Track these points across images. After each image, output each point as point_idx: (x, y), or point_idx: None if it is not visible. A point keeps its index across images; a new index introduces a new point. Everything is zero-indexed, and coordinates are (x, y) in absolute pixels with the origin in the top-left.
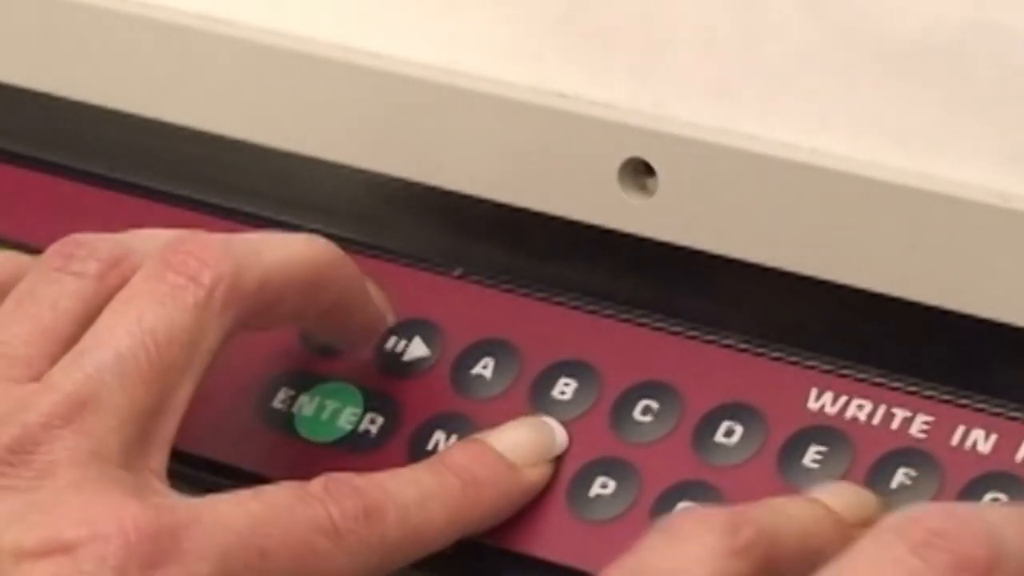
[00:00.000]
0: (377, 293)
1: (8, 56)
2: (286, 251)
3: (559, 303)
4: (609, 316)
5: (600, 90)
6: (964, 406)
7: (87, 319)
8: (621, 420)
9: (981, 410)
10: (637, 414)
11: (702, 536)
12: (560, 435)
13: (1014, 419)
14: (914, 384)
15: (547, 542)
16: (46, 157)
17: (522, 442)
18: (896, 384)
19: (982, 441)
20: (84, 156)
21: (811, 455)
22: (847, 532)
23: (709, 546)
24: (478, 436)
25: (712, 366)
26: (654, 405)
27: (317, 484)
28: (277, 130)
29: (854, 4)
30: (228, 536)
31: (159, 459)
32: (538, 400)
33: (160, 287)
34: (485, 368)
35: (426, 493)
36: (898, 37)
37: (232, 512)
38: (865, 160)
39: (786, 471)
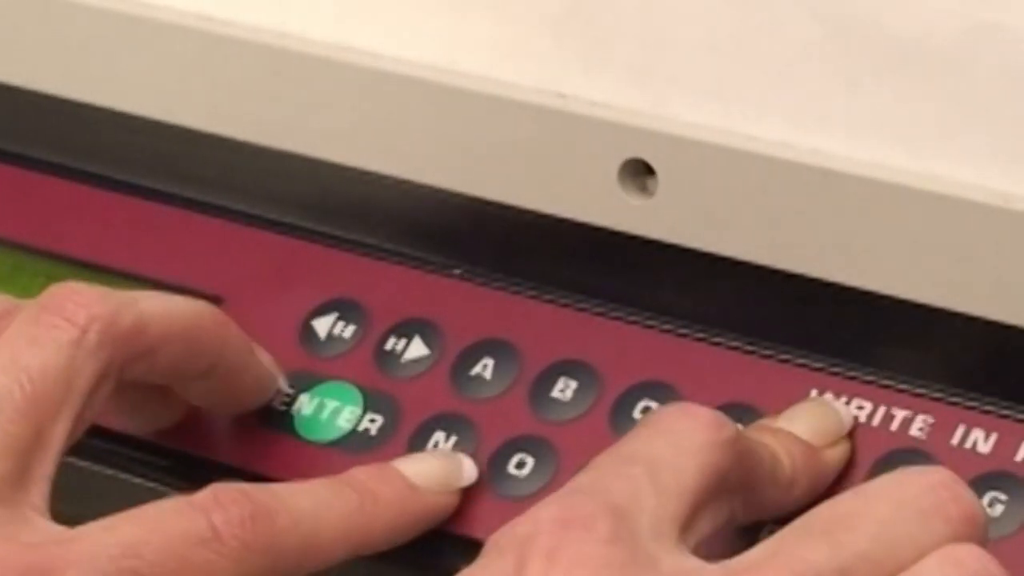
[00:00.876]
0: (265, 357)
1: (8, 56)
2: (165, 303)
3: (559, 303)
4: (609, 316)
5: (600, 90)
6: (964, 406)
7: None
8: (621, 420)
9: (981, 410)
10: (637, 415)
11: (690, 428)
12: (468, 468)
13: (1014, 419)
14: (914, 384)
15: None
16: (46, 157)
17: (429, 469)
18: (896, 384)
19: (982, 441)
20: (83, 156)
21: None
22: (817, 459)
23: (697, 438)
24: (388, 462)
25: (712, 367)
26: (654, 405)
27: (206, 493)
28: (277, 130)
29: (855, 4)
30: (99, 563)
31: (38, 494)
32: (537, 400)
33: (35, 328)
34: (485, 368)
35: (321, 503)
36: (899, 38)
37: (103, 539)
38: (866, 160)
39: None
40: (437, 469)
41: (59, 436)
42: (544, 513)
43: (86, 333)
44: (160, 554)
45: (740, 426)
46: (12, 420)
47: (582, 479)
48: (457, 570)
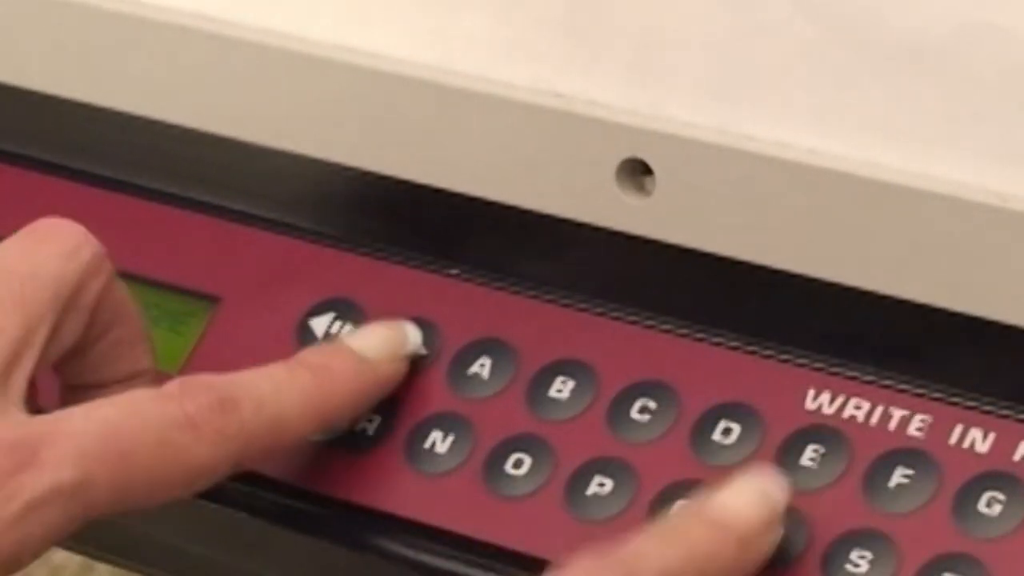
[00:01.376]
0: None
1: (7, 56)
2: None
3: (556, 302)
4: (606, 315)
5: (598, 90)
6: (962, 406)
7: None
8: (618, 419)
9: (979, 410)
10: (634, 413)
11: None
12: (412, 334)
13: (1012, 419)
14: (912, 383)
15: (544, 541)
16: (43, 157)
17: (375, 341)
18: (894, 383)
19: (980, 441)
20: (81, 156)
21: (809, 455)
22: (747, 548)
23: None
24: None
25: (710, 365)
26: (651, 404)
27: (172, 385)
28: (276, 130)
29: (852, 4)
30: (85, 440)
31: (17, 391)
32: (535, 399)
33: (27, 240)
34: (482, 367)
35: (280, 384)
36: (896, 37)
37: (86, 419)
38: (863, 160)
39: (784, 471)
40: (383, 339)
41: (42, 338)
42: None
43: (78, 250)
44: (141, 434)
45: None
46: (5, 316)
47: None
48: (454, 570)
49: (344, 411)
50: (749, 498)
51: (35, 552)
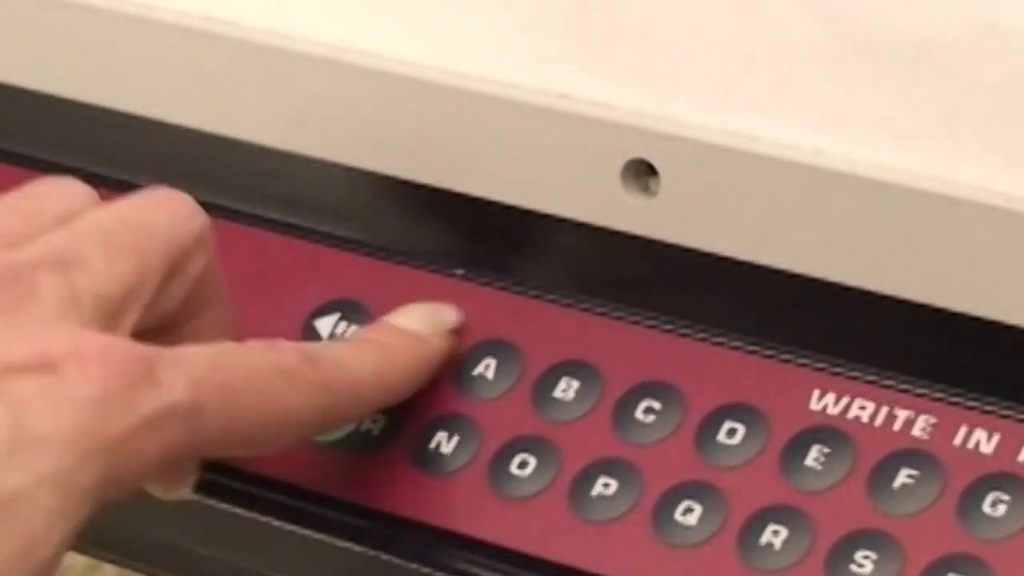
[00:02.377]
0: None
1: (8, 56)
2: None
3: (561, 303)
4: (611, 316)
5: (603, 91)
6: (967, 407)
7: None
8: (623, 420)
9: (984, 411)
10: (639, 414)
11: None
12: (447, 310)
13: (1017, 420)
14: (917, 385)
15: (550, 542)
16: (46, 157)
17: (419, 318)
18: (899, 385)
19: (984, 442)
20: (84, 156)
21: (813, 456)
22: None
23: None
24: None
25: (714, 366)
26: (656, 405)
27: (257, 341)
28: (277, 130)
29: (857, 5)
30: (197, 370)
31: (122, 335)
32: (540, 400)
33: (145, 199)
34: (487, 369)
35: (352, 352)
36: (902, 38)
37: (197, 351)
38: (868, 161)
39: (788, 472)
40: (426, 316)
41: (150, 292)
42: None
43: (191, 217)
44: (244, 373)
45: None
46: (119, 260)
47: None
48: (460, 569)
49: (407, 383)
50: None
51: (148, 471)
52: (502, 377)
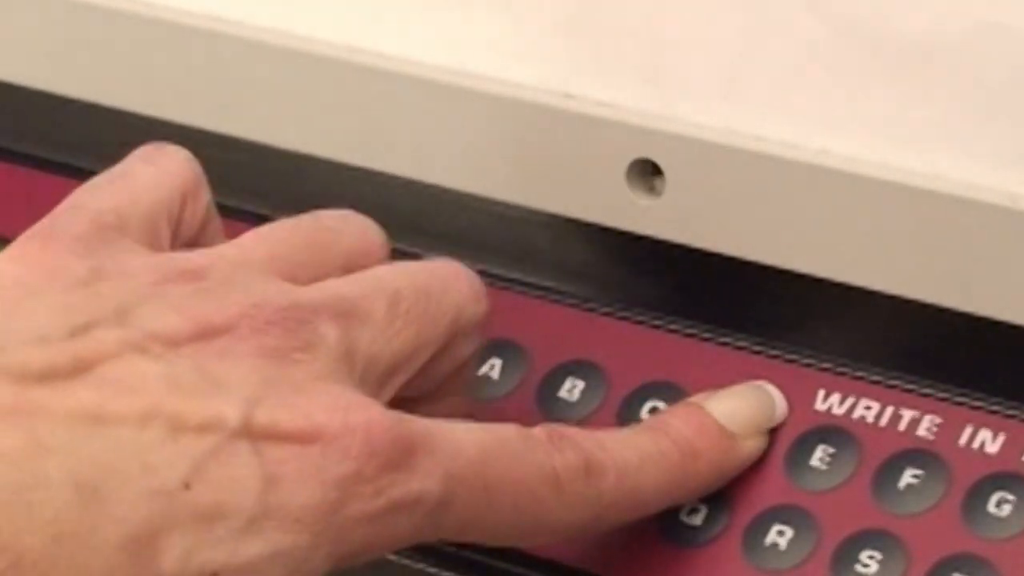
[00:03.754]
0: None
1: (11, 56)
2: None
3: (566, 303)
4: (617, 317)
5: (608, 91)
6: (972, 407)
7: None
8: (628, 421)
9: (989, 411)
10: (645, 414)
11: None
12: (780, 404)
13: (1022, 420)
14: (922, 385)
15: (550, 544)
16: (50, 156)
17: (741, 410)
18: (904, 385)
19: (990, 442)
20: (87, 155)
21: (819, 455)
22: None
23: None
24: (697, 400)
25: (720, 367)
26: (661, 405)
27: (541, 431)
28: (281, 130)
29: (862, 4)
30: (458, 461)
31: (385, 398)
32: (545, 400)
33: (440, 267)
34: (492, 368)
35: (645, 457)
36: (906, 37)
37: (464, 439)
38: (873, 161)
39: (794, 472)
40: (749, 410)
41: (424, 359)
42: None
43: (481, 299)
44: (509, 473)
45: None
46: (402, 324)
47: None
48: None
49: (700, 491)
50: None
51: (373, 554)
52: (507, 377)
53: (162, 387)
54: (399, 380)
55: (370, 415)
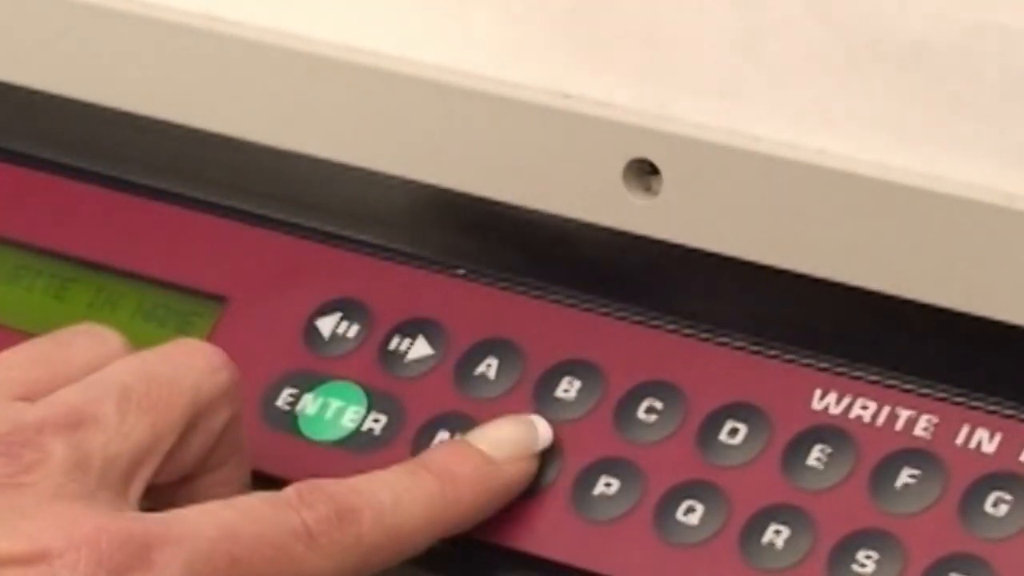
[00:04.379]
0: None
1: (13, 56)
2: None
3: (563, 303)
4: (613, 316)
5: (605, 91)
6: (969, 406)
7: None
8: (625, 420)
9: (986, 410)
10: (641, 414)
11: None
12: (543, 430)
13: (1019, 420)
14: (919, 384)
15: (551, 542)
16: (50, 157)
17: (504, 438)
18: (901, 384)
19: (987, 441)
20: (88, 156)
21: (815, 455)
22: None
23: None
24: (460, 437)
25: (716, 366)
26: (658, 405)
27: (290, 491)
28: (280, 130)
29: (859, 4)
30: (197, 543)
31: (134, 495)
32: (541, 400)
33: (169, 351)
34: (489, 368)
35: (401, 493)
36: (904, 37)
37: (200, 521)
38: (870, 161)
39: (790, 471)
40: (513, 436)
41: (167, 446)
42: None
43: (219, 371)
44: (256, 541)
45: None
46: (135, 416)
47: None
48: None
49: (467, 519)
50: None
51: None
52: (504, 376)
53: None
54: (146, 472)
55: (97, 524)
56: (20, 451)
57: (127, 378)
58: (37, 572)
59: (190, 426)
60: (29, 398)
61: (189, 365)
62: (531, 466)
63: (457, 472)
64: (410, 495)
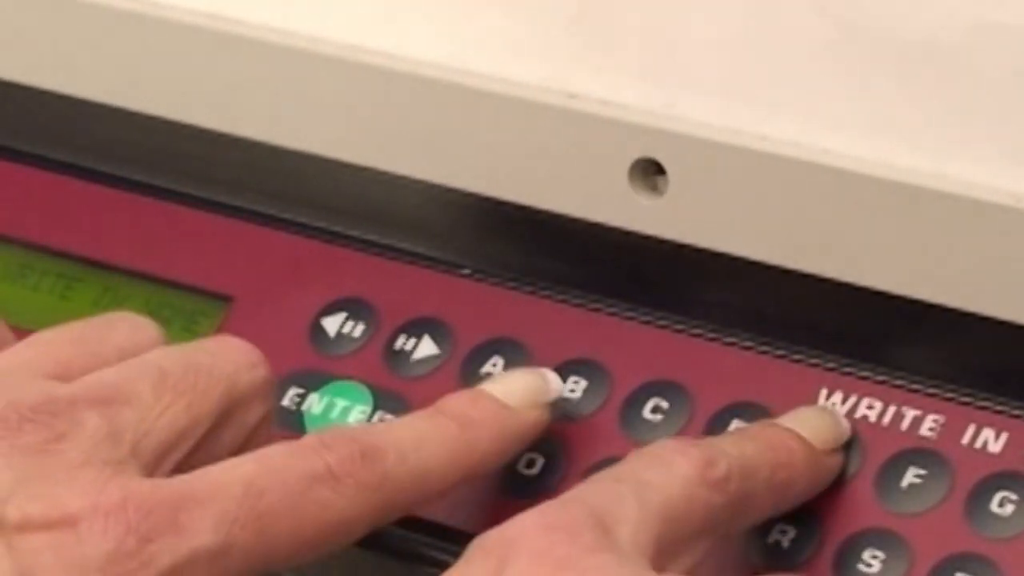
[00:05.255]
0: None
1: (17, 55)
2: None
3: (569, 302)
4: (619, 315)
5: (611, 90)
6: (974, 406)
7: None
8: (631, 419)
9: (991, 410)
10: (647, 413)
11: (680, 464)
12: (554, 381)
13: None
14: (925, 384)
15: None
16: (55, 156)
17: (516, 387)
18: (906, 384)
19: (992, 441)
20: (93, 155)
21: None
22: (817, 461)
23: (685, 473)
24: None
25: (722, 365)
26: (664, 404)
27: (310, 438)
28: (285, 128)
29: (865, 4)
30: (223, 503)
31: (162, 474)
32: None
33: (210, 340)
34: (494, 367)
35: (422, 435)
36: (909, 37)
37: (224, 478)
38: (876, 160)
39: None
40: (524, 386)
41: (201, 432)
42: (529, 520)
43: (257, 366)
44: (281, 492)
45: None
46: (171, 399)
47: (571, 491)
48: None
49: (488, 460)
50: (821, 420)
51: None
52: None
53: None
54: (176, 456)
55: (124, 491)
56: (51, 420)
57: (165, 362)
58: (63, 536)
59: (224, 417)
60: (63, 377)
61: (227, 357)
62: (544, 415)
63: (475, 416)
64: (431, 437)
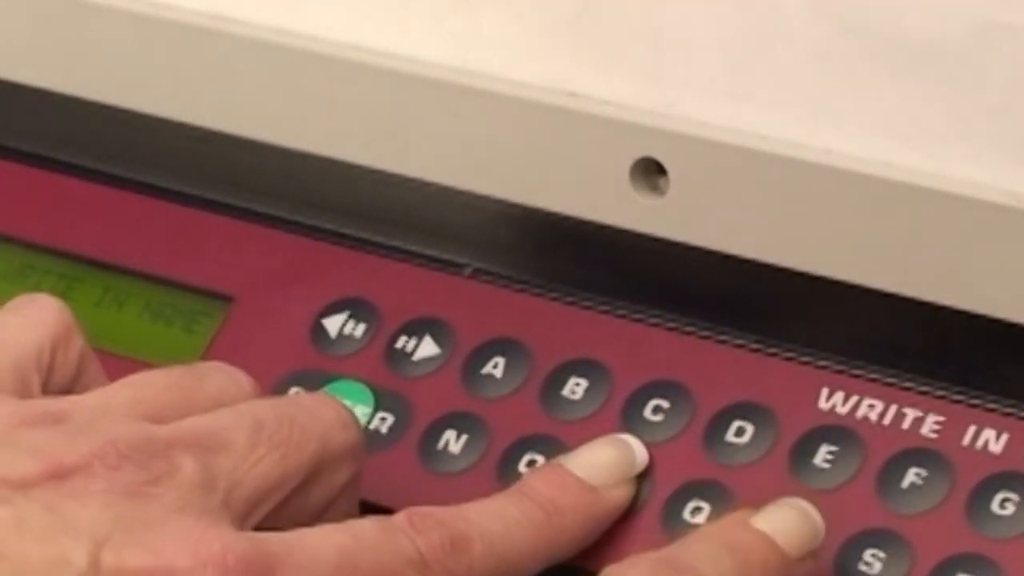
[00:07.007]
0: None
1: (18, 55)
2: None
3: (570, 302)
4: (620, 315)
5: (612, 90)
6: (975, 406)
7: None
8: (632, 420)
9: (992, 410)
10: (648, 413)
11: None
12: (640, 452)
13: None
14: (925, 384)
15: None
16: (56, 156)
17: (601, 463)
18: (907, 384)
19: (993, 441)
20: (94, 155)
21: (822, 455)
22: (789, 572)
23: None
24: (557, 460)
25: (723, 365)
26: (665, 404)
27: (401, 517)
28: (287, 129)
29: (867, 4)
30: (318, 568)
31: (251, 525)
32: (548, 399)
33: (309, 396)
34: (496, 367)
35: (510, 523)
36: (911, 37)
37: (321, 545)
38: (877, 160)
39: (797, 471)
40: (610, 464)
41: (292, 486)
42: None
43: (350, 427)
44: (373, 567)
45: None
46: (266, 451)
47: None
48: None
49: (573, 546)
50: (792, 517)
51: None
52: (511, 376)
53: (9, 530)
54: (266, 508)
55: (223, 543)
56: (149, 461)
57: (261, 413)
58: None
59: (314, 473)
60: (158, 421)
61: (321, 415)
62: (630, 490)
63: (561, 503)
64: (519, 525)
